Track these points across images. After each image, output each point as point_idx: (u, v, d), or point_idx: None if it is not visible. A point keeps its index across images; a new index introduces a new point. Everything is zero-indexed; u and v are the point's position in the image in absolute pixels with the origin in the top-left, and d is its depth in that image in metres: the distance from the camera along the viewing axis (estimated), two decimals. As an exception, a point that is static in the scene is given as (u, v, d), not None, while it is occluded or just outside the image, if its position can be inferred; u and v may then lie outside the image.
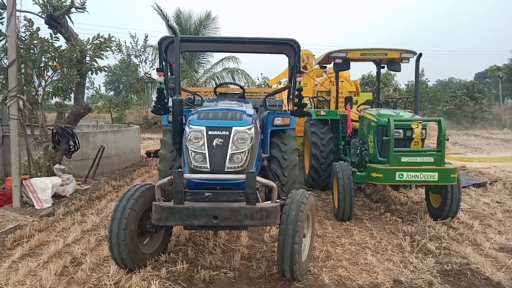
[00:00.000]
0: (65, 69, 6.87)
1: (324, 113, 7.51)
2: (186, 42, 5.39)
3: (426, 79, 33.78)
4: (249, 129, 3.70)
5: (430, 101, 30.45)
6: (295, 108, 5.32)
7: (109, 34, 6.73)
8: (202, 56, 22.80)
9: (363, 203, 6.83)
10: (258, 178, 3.40)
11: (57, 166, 7.08)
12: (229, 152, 3.56)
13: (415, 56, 6.67)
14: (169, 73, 5.39)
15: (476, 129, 25.54)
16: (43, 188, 6.34)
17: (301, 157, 9.18)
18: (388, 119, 5.33)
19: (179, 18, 22.78)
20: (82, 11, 6.70)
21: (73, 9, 6.65)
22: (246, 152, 3.62)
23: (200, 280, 3.71)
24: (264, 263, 4.09)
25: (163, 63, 5.24)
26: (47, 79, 6.78)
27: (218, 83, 16.13)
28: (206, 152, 3.55)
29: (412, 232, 5.09)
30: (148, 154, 12.47)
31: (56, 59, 6.38)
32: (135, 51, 21.78)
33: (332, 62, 7.33)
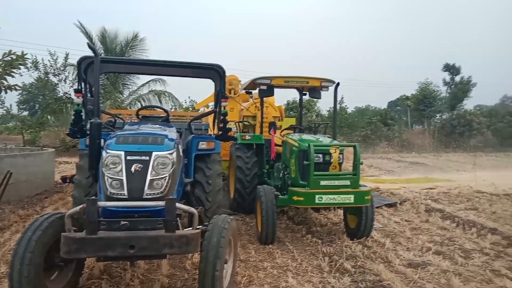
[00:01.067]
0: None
1: (249, 138, 7.64)
2: (107, 63, 5.20)
3: (346, 105, 36.03)
4: (171, 154, 3.64)
5: (349, 126, 32.53)
6: (220, 132, 5.36)
7: (22, 52, 6.29)
8: (128, 78, 22.10)
9: (286, 225, 6.99)
10: (178, 204, 3.33)
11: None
12: (148, 178, 3.45)
13: (334, 85, 7.13)
14: (88, 95, 5.14)
15: (389, 153, 27.67)
16: None
17: (226, 181, 9.20)
18: (309, 145, 5.57)
19: (104, 38, 22.00)
20: None
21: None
22: (167, 177, 3.54)
23: (115, 315, 3.49)
24: (185, 292, 3.97)
25: (82, 84, 5.00)
26: None
27: (143, 106, 15.73)
28: (124, 178, 3.41)
29: (330, 253, 5.29)
30: (64, 179, 11.59)
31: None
32: (54, 70, 20.54)
33: (258, 88, 7.53)
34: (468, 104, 39.37)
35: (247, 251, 5.46)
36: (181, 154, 4.13)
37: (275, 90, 7.61)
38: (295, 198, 5.50)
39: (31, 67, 18.64)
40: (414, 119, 39.74)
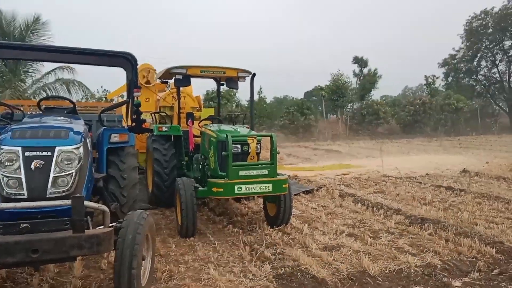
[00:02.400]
0: None
1: (166, 129, 7.41)
2: (1, 48, 4.63)
3: (264, 96, 36.82)
4: (77, 148, 3.37)
5: (268, 116, 33.34)
6: (134, 124, 5.11)
7: None
8: (30, 64, 20.05)
9: (207, 217, 6.94)
10: (86, 202, 3.10)
11: None
12: (51, 175, 3.16)
13: (250, 75, 7.18)
14: None
15: (306, 142, 28.95)
16: None
17: (144, 174, 8.87)
18: (227, 135, 5.56)
19: (0, 20, 19.67)
20: None
21: None
22: (73, 174, 3.28)
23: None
24: (100, 295, 3.74)
25: None
26: None
27: (45, 96, 14.45)
28: (23, 176, 3.08)
29: (251, 242, 5.36)
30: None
31: None
32: None
33: (174, 78, 7.31)
34: (375, 94, 42.54)
35: (167, 246, 5.33)
36: (89, 148, 3.85)
37: (193, 80, 7.46)
38: (214, 189, 5.47)
39: None
40: (328, 109, 41.95)
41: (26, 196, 3.07)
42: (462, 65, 46.31)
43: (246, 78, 7.39)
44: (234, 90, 30.25)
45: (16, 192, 3.08)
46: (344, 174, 11.80)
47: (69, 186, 3.23)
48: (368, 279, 4.16)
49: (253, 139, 5.73)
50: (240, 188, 5.39)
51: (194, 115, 8.44)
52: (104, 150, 5.12)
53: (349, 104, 41.70)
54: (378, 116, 36.02)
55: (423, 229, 5.89)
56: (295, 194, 8.39)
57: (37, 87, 19.71)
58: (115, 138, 5.15)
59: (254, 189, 5.48)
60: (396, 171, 11.42)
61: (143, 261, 3.66)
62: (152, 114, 8.56)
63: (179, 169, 7.52)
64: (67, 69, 19.95)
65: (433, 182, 10.23)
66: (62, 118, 4.34)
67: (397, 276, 4.24)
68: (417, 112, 36.39)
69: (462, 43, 45.66)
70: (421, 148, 22.29)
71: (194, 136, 7.29)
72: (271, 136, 5.81)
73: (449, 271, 4.35)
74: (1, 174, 3.09)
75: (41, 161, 3.13)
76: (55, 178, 3.18)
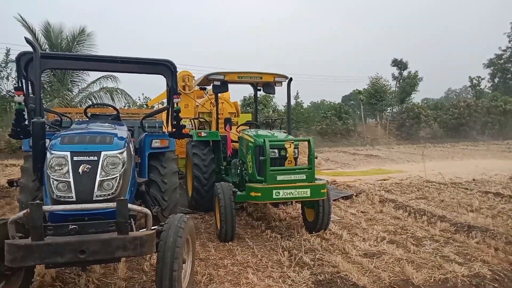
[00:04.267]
0: None
1: (205, 134, 7.54)
2: (48, 58, 4.90)
3: (301, 100, 36.62)
4: (121, 153, 3.50)
5: (306, 121, 33.10)
6: (174, 130, 5.24)
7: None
8: (76, 74, 21.08)
9: (245, 222, 6.97)
10: (130, 205, 3.21)
11: None
12: (98, 179, 3.30)
13: (287, 80, 7.18)
14: (30, 93, 4.82)
15: (344, 146, 28.49)
16: None
17: (184, 179, 9.05)
18: (264, 140, 5.58)
19: (49, 32, 20.80)
20: None
21: None
22: (118, 178, 3.41)
23: (67, 324, 3.32)
24: (142, 296, 3.85)
25: (23, 81, 4.68)
26: None
27: (91, 104, 15.09)
28: (71, 180, 3.24)
29: (290, 247, 5.34)
30: (11, 183, 10.80)
31: None
32: (-5, 69, 19.18)
33: (211, 84, 7.44)
34: (416, 97, 41.32)
35: (207, 249, 5.39)
36: (132, 153, 3.99)
37: (230, 86, 7.55)
38: (252, 194, 5.49)
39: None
40: (367, 113, 41.11)
41: (74, 199, 3.22)
42: (509, 65, 44.01)
43: (282, 82, 7.40)
44: (271, 95, 30.41)
45: (65, 195, 3.23)
46: (384, 180, 11.50)
47: (114, 189, 3.36)
48: (412, 288, 4.03)
49: (290, 144, 5.72)
50: (278, 193, 5.38)
51: (232, 120, 8.54)
52: (146, 155, 5.28)
53: (388, 108, 40.65)
54: (419, 120, 34.84)
55: (470, 237, 5.63)
56: (334, 200, 8.27)
57: (83, 96, 20.64)
58: (156, 143, 5.30)
59: (292, 194, 5.45)
60: (439, 176, 10.99)
61: (184, 264, 3.74)
62: (191, 120, 8.74)
63: (218, 174, 7.62)
64: (110, 78, 20.80)
65: (480, 188, 9.74)
66: (107, 124, 4.52)
67: (443, 285, 4.07)
68: (461, 115, 34.87)
69: (510, 41, 43.46)
70: (466, 153, 21.35)
71: (232, 141, 7.37)
72: (308, 141, 5.77)
73: (499, 282, 4.13)
74: (52, 178, 3.26)
75: (88, 165, 3.28)
76: (101, 182, 3.31)
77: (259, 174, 5.89)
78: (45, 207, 3.07)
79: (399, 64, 39.99)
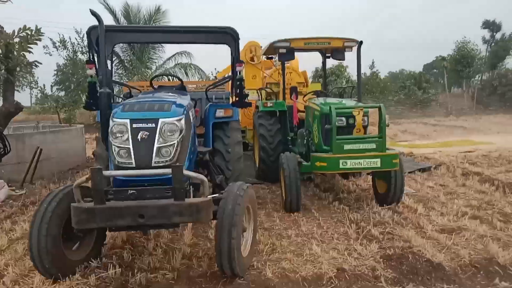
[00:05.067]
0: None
1: (271, 105, 7.39)
2: (115, 32, 5.03)
3: (377, 70, 34.76)
4: (178, 120, 3.48)
5: (382, 91, 31.37)
6: (237, 99, 5.17)
7: (36, 26, 6.23)
8: (153, 52, 22.15)
9: (313, 193, 6.78)
10: (186, 171, 3.19)
11: (-16, 171, 6.51)
12: (156, 145, 3.33)
13: (357, 44, 6.70)
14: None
15: (425, 117, 26.59)
16: (-34, 195, 5.78)
17: (252, 150, 9.07)
18: (330, 107, 5.28)
19: (128, 13, 21.93)
20: (5, 1, 6.14)
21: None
22: (175, 145, 3.41)
23: (135, 284, 3.46)
24: (205, 261, 3.91)
25: (94, 54, 4.89)
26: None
27: (168, 79, 15.66)
28: (131, 146, 3.30)
29: (358, 219, 5.07)
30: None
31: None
32: (82, 47, 20.74)
33: (277, 53, 7.21)
34: (511, 63, 36.92)
35: (272, 220, 5.33)
36: (192, 121, 3.99)
37: (299, 55, 7.26)
38: (318, 164, 5.27)
39: (59, 46, 18.87)
40: (451, 81, 37.83)
41: (134, 165, 3.29)
42: None
43: (353, 47, 6.92)
44: (344, 65, 29.24)
45: (125, 161, 3.31)
46: (469, 151, 10.47)
47: (171, 156, 3.37)
48: (497, 267, 3.59)
49: (359, 111, 5.34)
50: (345, 162, 5.09)
51: (300, 90, 8.28)
52: (210, 125, 5.30)
53: (477, 75, 36.95)
54: (514, 87, 31.24)
55: None
56: (409, 172, 7.73)
57: (160, 72, 21.60)
58: (220, 113, 5.30)
59: (361, 164, 5.13)
60: (536, 147, 9.74)
61: (244, 233, 3.70)
62: (258, 91, 8.62)
63: (284, 144, 7.47)
64: (184, 54, 21.50)
65: None
66: (170, 94, 4.56)
67: (535, 267, 3.57)
68: None
69: None
70: None
71: (299, 111, 7.14)
72: (379, 107, 5.35)
73: None
74: (113, 145, 3.36)
75: (146, 132, 3.31)
76: (159, 148, 3.33)
77: (325, 144, 5.63)
78: (105, 172, 3.17)
79: (491, 26, 35.92)
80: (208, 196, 3.40)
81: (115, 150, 3.34)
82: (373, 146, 5.22)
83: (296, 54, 7.27)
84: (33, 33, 6.17)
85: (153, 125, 3.35)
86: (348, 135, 5.44)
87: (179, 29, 4.94)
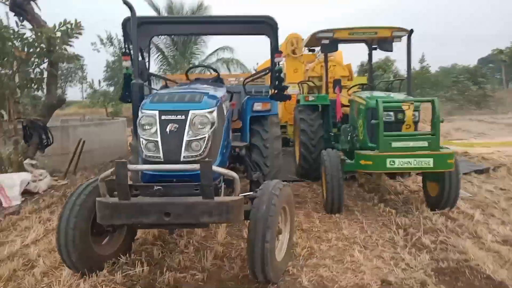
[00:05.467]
0: (35, 59, 6.43)
1: (313, 98, 7.01)
2: (149, 24, 4.86)
3: (427, 64, 32.99)
4: (210, 112, 3.24)
5: (432, 86, 29.69)
6: (275, 91, 4.89)
7: (76, 20, 6.25)
8: (196, 47, 22.31)
9: (356, 193, 6.36)
10: (215, 168, 2.95)
11: (27, 161, 6.66)
12: (185, 138, 3.10)
13: (407, 34, 6.16)
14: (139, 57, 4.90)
15: (480, 114, 24.89)
16: (10, 184, 5.92)
17: (294, 146, 8.74)
18: (377, 101, 4.84)
19: (171, 10, 22.22)
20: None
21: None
22: (206, 138, 3.17)
23: (163, 284, 3.29)
24: (238, 263, 3.66)
25: (130, 46, 4.77)
26: (14, 69, 6.34)
27: (210, 73, 15.62)
28: (159, 139, 3.10)
29: (406, 224, 4.62)
30: (137, 147, 12.00)
31: (20, 48, 5.92)
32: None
33: (320, 44, 6.81)
34: None
35: (311, 220, 4.99)
36: (226, 114, 3.74)
37: (344, 47, 6.81)
38: (362, 162, 4.85)
39: (106, 43, 19.49)
40: (510, 76, 35.23)
41: (162, 159, 3.09)
42: None
43: (402, 38, 6.38)
44: (392, 58, 28.04)
45: (154, 155, 3.12)
46: (533, 152, 9.51)
47: (201, 150, 3.14)
48: None
49: (409, 105, 4.86)
50: (393, 162, 4.65)
51: (345, 84, 7.82)
52: (247, 118, 5.06)
53: (540, 69, 34.15)
54: None
55: None
56: (465, 173, 7.05)
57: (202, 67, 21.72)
58: (257, 106, 5.06)
59: (411, 164, 4.66)
60: None
61: (279, 235, 3.42)
62: (299, 84, 8.25)
63: (327, 140, 7.09)
64: (227, 49, 21.48)
65: None
66: (205, 85, 4.35)
67: None
68: None
69: None
70: None
71: (343, 105, 6.72)
72: (432, 101, 4.84)
73: None
74: (141, 137, 3.18)
75: (175, 125, 3.10)
76: (189, 142, 3.11)
77: (371, 141, 5.21)
78: (130, 166, 2.99)
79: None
80: (240, 195, 3.16)
81: (143, 143, 3.17)
82: (425, 144, 4.73)
83: (340, 46, 6.84)
84: (72, 26, 6.19)
85: (183, 117, 3.13)
86: (396, 131, 4.98)
87: (216, 19, 4.74)
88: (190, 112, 3.15)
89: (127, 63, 4.49)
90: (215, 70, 5.33)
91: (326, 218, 5.10)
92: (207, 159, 3.05)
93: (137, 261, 3.58)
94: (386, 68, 28.71)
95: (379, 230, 4.57)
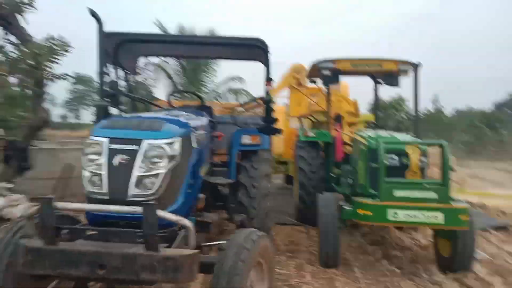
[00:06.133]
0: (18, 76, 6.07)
1: (313, 134, 6.43)
2: (131, 42, 4.36)
3: (442, 106, 32.30)
4: (170, 143, 2.67)
5: (447, 129, 28.80)
6: (264, 123, 4.38)
7: (62, 37, 5.90)
8: (206, 76, 22.23)
9: (358, 244, 5.60)
10: (162, 213, 2.35)
11: (2, 184, 6.15)
12: (135, 173, 2.54)
13: (414, 68, 5.62)
14: (119, 77, 4.41)
15: (497, 160, 23.85)
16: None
17: (292, 186, 8.10)
18: (377, 141, 4.23)
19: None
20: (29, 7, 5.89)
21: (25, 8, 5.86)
22: (163, 175, 2.60)
23: None
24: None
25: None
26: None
27: (219, 103, 15.17)
28: (105, 173, 2.55)
29: (411, 290, 3.87)
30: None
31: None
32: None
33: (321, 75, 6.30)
34: None
35: (302, 274, 4.31)
36: (195, 145, 3.15)
37: (348, 80, 6.30)
38: (361, 211, 4.17)
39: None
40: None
41: (108, 197, 2.55)
42: None
43: (408, 72, 5.84)
44: (404, 97, 27.38)
45: (97, 191, 2.58)
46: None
47: (155, 189, 2.58)
48: None
49: (414, 149, 4.22)
50: (396, 214, 3.97)
51: (350, 122, 7.26)
52: (233, 153, 4.50)
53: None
54: None
55: None
56: (482, 230, 6.23)
57: (212, 96, 21.55)
58: (246, 139, 4.52)
59: (417, 218, 3.98)
60: None
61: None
62: (299, 118, 7.68)
63: (328, 182, 6.44)
64: (237, 79, 21.41)
65: None
66: (182, 112, 3.83)
67: None
68: None
69: None
70: None
71: (346, 143, 6.12)
72: (441, 145, 4.19)
73: None
74: (86, 170, 2.63)
75: (126, 156, 2.55)
76: (140, 178, 2.56)
77: (372, 187, 4.54)
78: (58, 204, 2.42)
79: None
80: (207, 244, 2.55)
81: (86, 175, 2.62)
82: (434, 195, 4.06)
83: (347, 79, 6.33)
84: (55, 43, 5.84)
85: (135, 147, 2.58)
86: (401, 178, 4.33)
87: (204, 40, 4.31)
88: (144, 141, 2.60)
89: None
90: (198, 96, 4.82)
91: (320, 272, 4.40)
92: (172, 201, 2.48)
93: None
94: (398, 107, 28.02)
95: (379, 294, 3.84)
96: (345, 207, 4.59)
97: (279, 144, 10.20)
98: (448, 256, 4.43)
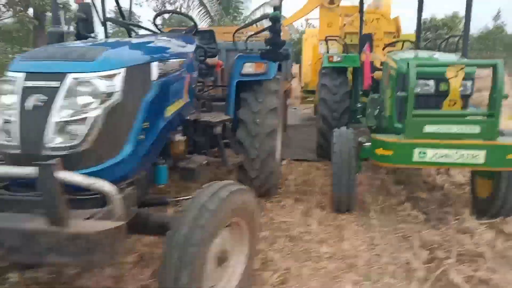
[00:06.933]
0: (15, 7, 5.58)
1: (339, 59, 5.58)
2: None
3: (503, 22, 28.73)
4: (106, 76, 2.04)
5: (506, 49, 25.74)
6: (268, 47, 3.69)
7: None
8: (240, 2, 20.91)
9: (381, 182, 4.94)
10: (65, 174, 1.76)
11: None
12: (52, 119, 1.96)
13: None
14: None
15: None
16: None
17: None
18: (408, 63, 3.39)
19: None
20: None
21: None
22: (93, 119, 2.00)
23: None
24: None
25: None
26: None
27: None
28: (17, 119, 1.98)
29: (434, 243, 3.24)
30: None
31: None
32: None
33: None
34: None
35: (307, 222, 3.77)
36: (155, 79, 2.47)
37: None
38: (378, 151, 3.45)
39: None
40: None
41: (19, 151, 1.98)
42: None
43: None
44: (460, 16, 24.40)
45: (8, 143, 2.00)
46: None
47: (81, 138, 1.97)
48: None
49: (456, 72, 3.35)
50: (424, 153, 3.24)
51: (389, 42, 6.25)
52: (233, 84, 3.88)
53: None
54: None
55: None
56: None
57: (244, 24, 20.41)
58: (248, 68, 3.86)
59: (452, 158, 3.24)
60: None
61: (225, 262, 2.33)
62: (326, 41, 6.74)
63: (354, 113, 5.70)
64: (271, 5, 19.88)
65: None
66: (164, 38, 3.18)
67: None
68: None
69: None
70: None
71: (377, 69, 5.27)
72: (494, 66, 3.28)
73: None
74: None
75: (43, 97, 1.96)
76: (61, 125, 1.96)
77: (399, 120, 3.78)
78: None
79: None
80: (175, 198, 2.05)
81: None
82: (476, 129, 3.26)
83: None
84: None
85: (56, 83, 1.97)
86: (435, 108, 3.53)
87: None
88: (68, 75, 1.97)
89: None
90: (190, 18, 4.11)
91: (329, 219, 3.86)
92: (95, 152, 1.95)
93: None
94: (452, 26, 25.16)
95: (393, 246, 3.28)
96: (365, 144, 3.89)
97: (308, 72, 9.35)
98: (486, 198, 3.72)
